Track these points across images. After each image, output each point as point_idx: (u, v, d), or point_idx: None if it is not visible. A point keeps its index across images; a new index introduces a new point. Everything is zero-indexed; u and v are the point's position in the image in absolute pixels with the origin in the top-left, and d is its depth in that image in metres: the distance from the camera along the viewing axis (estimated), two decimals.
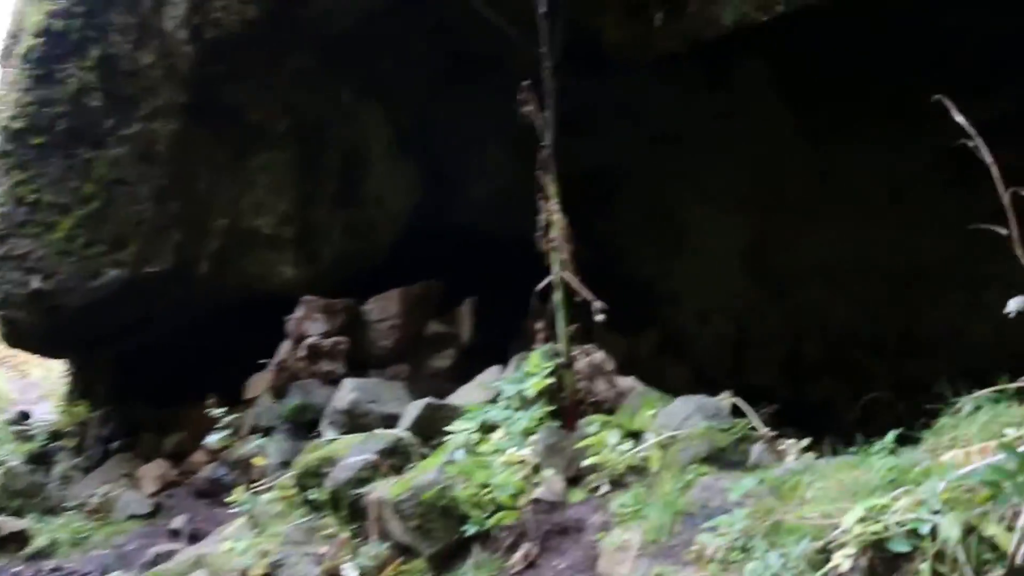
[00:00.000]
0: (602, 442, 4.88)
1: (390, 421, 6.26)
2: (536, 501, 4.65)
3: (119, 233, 8.71)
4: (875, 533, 3.05)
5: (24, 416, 12.33)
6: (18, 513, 8.12)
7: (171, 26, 8.35)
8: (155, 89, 8.61)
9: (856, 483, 3.49)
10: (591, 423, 5.15)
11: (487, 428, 5.35)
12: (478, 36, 8.56)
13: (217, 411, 6.51)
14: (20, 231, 8.65)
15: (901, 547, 2.99)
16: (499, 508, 4.63)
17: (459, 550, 4.78)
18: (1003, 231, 3.05)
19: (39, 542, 7.58)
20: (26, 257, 8.66)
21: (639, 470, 4.73)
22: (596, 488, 4.78)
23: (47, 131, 8.53)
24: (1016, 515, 2.86)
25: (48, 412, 12.44)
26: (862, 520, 3.12)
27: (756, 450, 4.71)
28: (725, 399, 5.30)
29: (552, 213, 5.69)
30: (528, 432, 5.15)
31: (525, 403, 5.41)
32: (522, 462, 4.73)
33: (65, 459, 9.93)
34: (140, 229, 8.75)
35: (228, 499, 6.30)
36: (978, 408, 3.75)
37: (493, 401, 5.70)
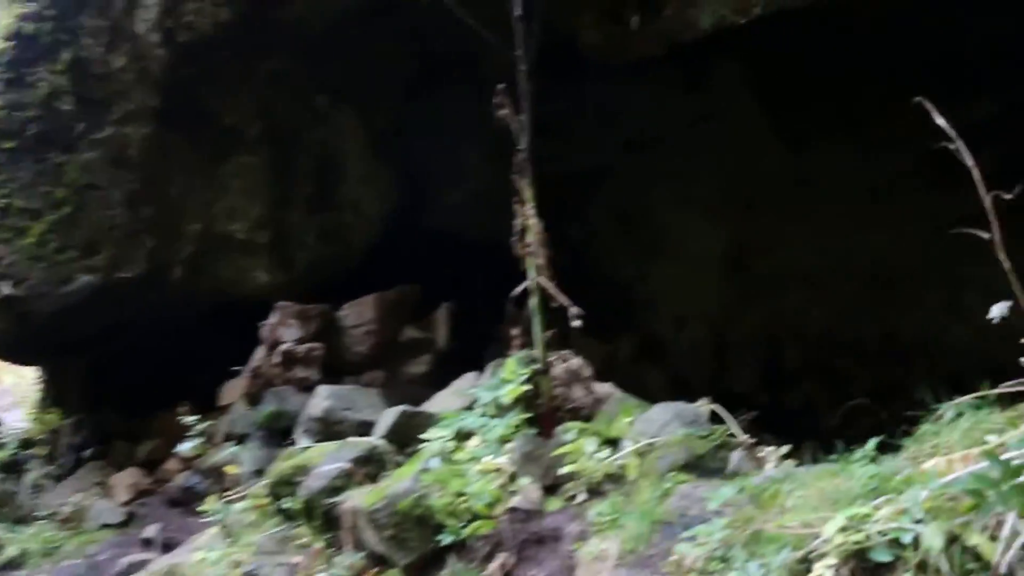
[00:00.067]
0: (579, 450, 4.82)
1: (365, 428, 6.18)
2: (512, 510, 4.59)
3: (91, 238, 8.57)
4: (857, 543, 3.01)
5: None
6: None
7: (143, 29, 8.24)
8: (127, 93, 8.49)
9: (837, 491, 3.44)
10: (568, 430, 5.08)
11: (463, 435, 5.29)
12: (453, 39, 8.48)
13: (189, 419, 6.41)
14: None
15: (883, 557, 2.94)
16: (475, 517, 4.57)
17: (434, 560, 4.71)
18: (985, 235, 2.99)
19: (9, 552, 7.44)
20: None
21: (617, 478, 4.67)
22: (573, 496, 4.72)
23: (18, 135, 8.38)
24: (1000, 524, 2.82)
25: (19, 420, 12.24)
26: (843, 529, 3.08)
27: (735, 457, 4.65)
28: (703, 405, 5.24)
29: (528, 217, 5.62)
30: (504, 439, 5.08)
31: (501, 410, 5.34)
32: (498, 470, 4.67)
33: (37, 467, 9.74)
34: (112, 234, 8.61)
35: (201, 508, 6.22)
36: (960, 414, 3.70)
37: (469, 408, 5.63)
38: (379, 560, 4.86)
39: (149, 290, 8.87)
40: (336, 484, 5.35)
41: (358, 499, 4.99)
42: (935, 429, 3.73)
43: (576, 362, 5.67)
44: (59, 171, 8.43)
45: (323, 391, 6.84)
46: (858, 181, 9.94)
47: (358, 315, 8.64)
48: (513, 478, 4.71)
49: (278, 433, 7.70)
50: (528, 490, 4.73)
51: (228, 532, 5.87)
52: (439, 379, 7.31)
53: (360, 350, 8.55)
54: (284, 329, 8.42)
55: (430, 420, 5.65)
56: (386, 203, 9.93)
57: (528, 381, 5.40)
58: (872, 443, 3.84)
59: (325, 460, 5.58)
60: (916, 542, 2.89)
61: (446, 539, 4.63)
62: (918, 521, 2.95)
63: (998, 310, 2.97)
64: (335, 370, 8.35)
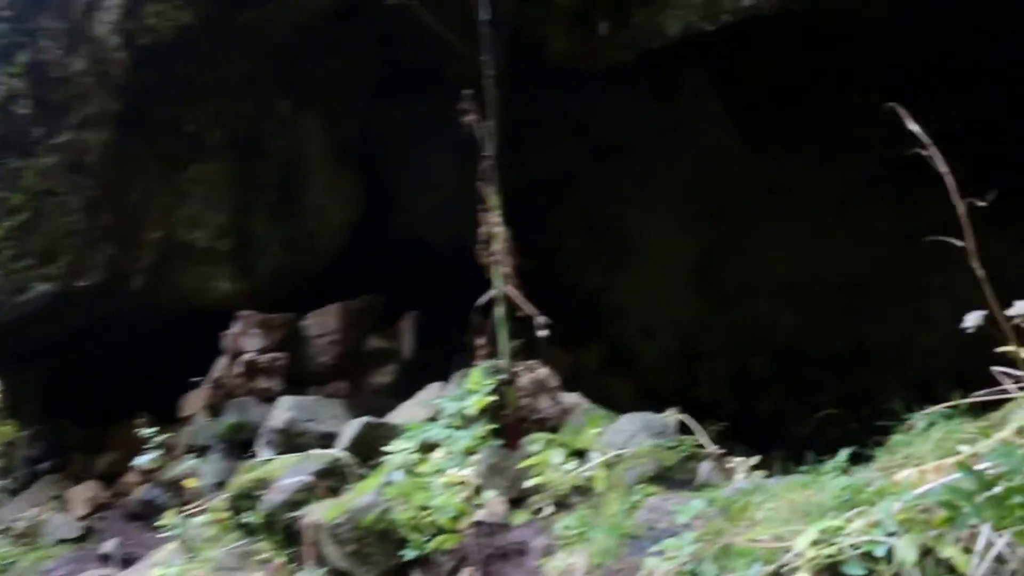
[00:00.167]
0: (546, 461, 4.74)
1: (327, 440, 6.06)
2: (478, 524, 4.50)
3: (48, 246, 8.38)
4: (829, 556, 2.96)
5: None
6: None
7: (103, 32, 8.06)
8: (86, 97, 8.31)
9: (808, 504, 3.38)
10: (535, 441, 5.00)
11: (427, 447, 5.19)
12: (420, 45, 8.45)
13: (147, 431, 6.26)
14: None
15: (856, 571, 2.89)
16: (439, 531, 4.48)
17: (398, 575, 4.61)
18: (959, 243, 2.94)
19: None
20: None
21: (584, 490, 4.59)
22: (540, 510, 4.63)
23: None
24: (974, 537, 2.77)
25: None
26: (815, 543, 3.02)
27: (704, 468, 4.59)
28: (672, 416, 5.18)
29: (494, 225, 5.54)
30: (469, 451, 4.98)
31: (466, 421, 5.25)
32: (463, 483, 4.59)
33: None
34: (70, 242, 8.42)
35: (160, 522, 6.08)
36: (931, 424, 3.66)
37: (434, 419, 5.53)
38: None
39: (108, 299, 8.68)
40: (297, 498, 5.24)
41: (320, 513, 4.88)
42: (907, 439, 3.69)
43: (543, 372, 5.59)
44: (15, 176, 8.23)
45: (285, 402, 6.70)
46: (826, 189, 9.98)
47: (322, 324, 8.52)
48: (478, 491, 4.62)
49: (240, 445, 7.55)
50: (493, 503, 4.64)
51: (187, 547, 5.74)
52: (405, 389, 7.19)
53: (324, 360, 8.43)
54: (247, 339, 8.29)
55: (394, 432, 5.55)
56: (352, 211, 9.82)
57: (494, 391, 5.31)
58: (844, 454, 3.78)
59: (286, 473, 5.47)
60: (890, 555, 2.84)
61: (410, 554, 4.53)
62: (891, 534, 2.90)
63: (972, 319, 2.90)
64: (299, 380, 8.23)
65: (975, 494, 2.72)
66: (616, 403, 5.87)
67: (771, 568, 3.09)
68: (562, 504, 4.61)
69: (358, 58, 9.30)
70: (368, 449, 5.54)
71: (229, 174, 9.08)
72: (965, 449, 3.31)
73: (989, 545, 2.70)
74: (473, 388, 5.34)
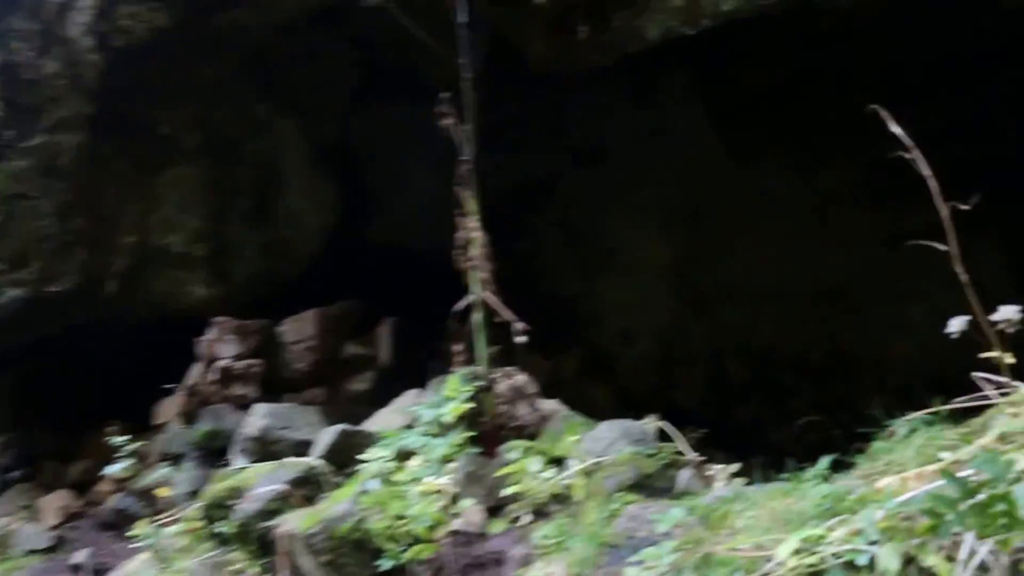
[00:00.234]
0: (524, 469, 4.68)
1: (303, 448, 5.97)
2: (454, 533, 4.44)
3: (20, 250, 8.27)
4: (811, 566, 2.91)
5: None
6: None
7: (76, 33, 7.95)
8: (59, 99, 8.20)
9: (789, 512, 3.34)
10: (512, 449, 4.94)
11: (404, 455, 5.12)
12: (398, 49, 8.40)
13: (119, 439, 6.16)
14: None
15: None
16: (416, 541, 4.41)
17: None
18: (942, 247, 2.91)
19: None
20: None
21: (562, 499, 4.53)
22: (517, 518, 4.57)
23: None
24: (957, 545, 2.74)
25: None
26: (797, 552, 2.98)
27: (684, 476, 4.55)
28: (651, 423, 5.14)
29: (472, 230, 5.49)
30: (446, 459, 4.92)
31: (443, 429, 5.18)
32: (440, 491, 4.53)
33: None
34: (42, 246, 8.32)
35: (132, 532, 5.98)
36: (913, 431, 3.63)
37: (410, 427, 5.47)
38: None
39: (81, 304, 8.58)
40: (272, 507, 5.16)
41: (294, 523, 4.80)
42: (888, 446, 3.66)
43: (521, 378, 5.54)
44: None
45: (260, 409, 6.61)
46: (806, 195, 9.99)
47: (298, 331, 8.44)
48: (455, 500, 4.56)
49: (215, 453, 7.45)
50: (471, 512, 4.58)
51: (160, 557, 5.66)
52: (382, 396, 7.14)
53: (300, 367, 8.35)
54: (222, 345, 8.19)
55: (370, 439, 5.48)
56: (329, 216, 9.75)
57: (471, 399, 5.25)
58: (825, 461, 3.75)
59: (261, 482, 5.39)
60: (872, 564, 2.80)
61: (385, 564, 4.46)
62: (873, 542, 2.85)
63: (956, 325, 2.86)
64: (274, 387, 8.14)
65: (958, 502, 2.68)
66: (595, 409, 5.84)
67: None
68: (540, 513, 4.56)
69: (336, 62, 9.24)
70: (344, 457, 5.47)
71: (204, 178, 8.99)
72: (947, 456, 3.28)
73: (972, 553, 2.67)
74: (450, 395, 5.28)
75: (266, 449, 6.32)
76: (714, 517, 3.69)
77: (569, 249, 10.87)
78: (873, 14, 7.31)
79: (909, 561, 2.77)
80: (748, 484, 4.34)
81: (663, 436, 5.05)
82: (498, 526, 4.57)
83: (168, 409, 8.37)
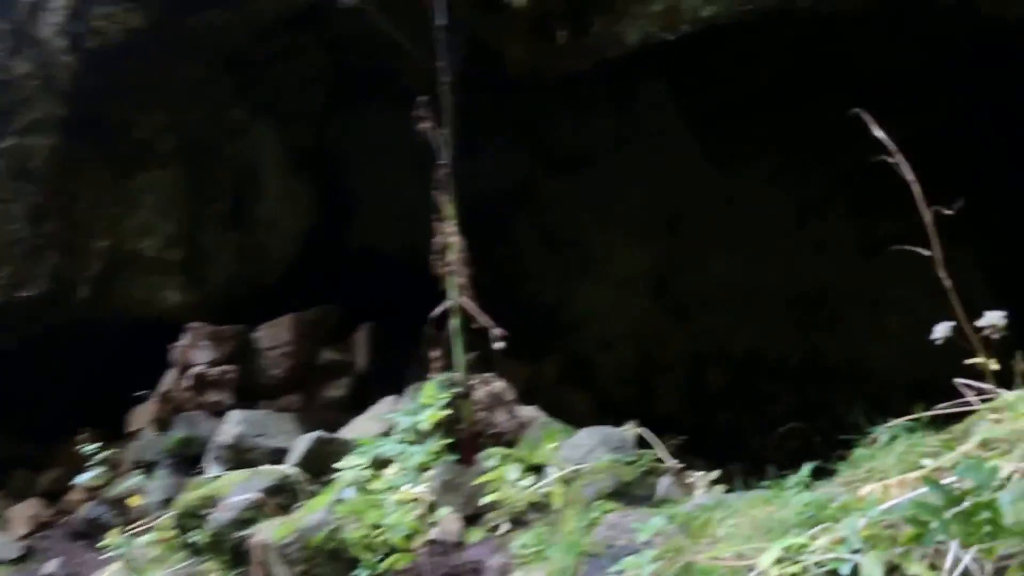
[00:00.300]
0: (502, 477, 4.62)
1: (278, 456, 5.91)
2: (431, 542, 4.38)
3: None
4: (793, 575, 2.86)
5: None
6: None
7: (48, 34, 7.85)
8: (31, 101, 8.10)
9: (771, 520, 3.30)
10: (490, 457, 4.88)
11: (380, 463, 5.05)
12: (376, 52, 8.35)
13: (89, 447, 6.06)
14: None
15: None
16: (392, 551, 4.35)
17: None
18: (925, 252, 2.88)
19: None
20: None
21: (541, 507, 4.48)
22: (496, 527, 4.51)
23: None
24: (941, 554, 2.70)
25: None
26: (779, 561, 2.93)
27: (663, 484, 4.51)
28: (630, 429, 5.10)
29: (449, 235, 5.43)
30: (423, 467, 4.86)
31: (420, 436, 5.12)
32: (417, 500, 4.46)
33: None
34: (13, 251, 8.22)
35: (103, 543, 5.88)
36: (894, 438, 3.60)
37: (387, 434, 5.40)
38: None
39: (53, 309, 8.50)
40: (246, 516, 5.10)
41: (269, 532, 4.74)
42: (869, 453, 3.63)
43: (499, 385, 5.48)
44: None
45: (234, 416, 6.54)
46: (783, 201, 10.00)
47: (274, 336, 8.34)
48: (432, 508, 4.50)
49: (189, 460, 7.35)
50: (448, 521, 4.51)
51: (132, 568, 5.58)
52: (359, 402, 7.10)
53: (276, 373, 8.25)
54: (196, 351, 8.08)
55: (346, 447, 5.41)
56: (306, 220, 9.69)
57: (448, 405, 5.19)
58: (807, 469, 3.71)
59: (235, 490, 5.32)
60: (855, 573, 2.75)
61: (362, 575, 4.41)
62: (856, 551, 2.81)
63: (941, 331, 2.83)
64: (250, 394, 8.04)
65: (942, 510, 2.64)
66: (574, 416, 5.80)
67: None
68: (519, 521, 4.50)
69: (313, 65, 9.18)
70: (320, 465, 5.41)
71: (180, 182, 8.91)
72: (929, 463, 3.25)
73: (957, 562, 2.63)
74: (427, 402, 5.22)
75: (241, 457, 6.26)
76: (695, 525, 3.64)
77: (548, 255, 10.84)
78: (851, 22, 7.32)
79: (892, 570, 2.73)
80: (728, 491, 4.30)
81: (642, 443, 5.00)
82: (476, 535, 4.52)
83: (141, 416, 8.25)
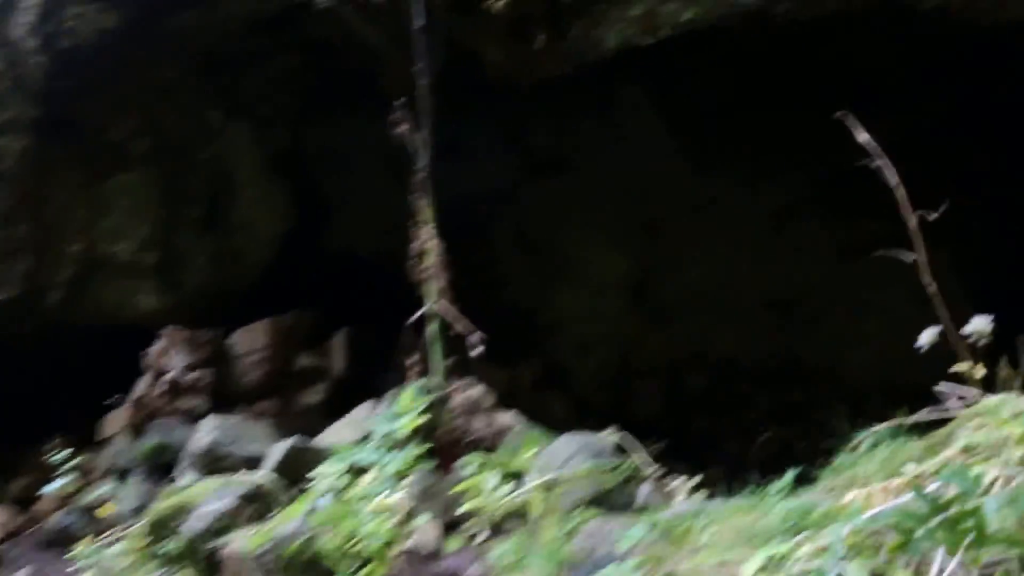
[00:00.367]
0: (480, 485, 4.58)
1: (253, 463, 5.83)
2: (408, 552, 4.33)
3: None
4: None
5: None
6: None
7: (19, 34, 7.74)
8: (2, 101, 7.99)
9: (753, 528, 3.26)
10: (468, 464, 4.84)
11: (357, 471, 5.00)
12: (354, 54, 8.27)
13: (60, 455, 5.96)
14: None
15: None
16: (368, 560, 4.30)
17: None
18: (908, 257, 2.85)
19: None
20: None
21: (520, 515, 4.44)
22: (474, 536, 4.47)
23: None
24: (926, 562, 2.67)
25: None
26: (762, 569, 2.90)
27: (643, 490, 4.48)
28: (609, 435, 5.06)
29: (427, 239, 5.38)
30: (401, 475, 4.81)
31: (398, 443, 5.06)
32: (393, 508, 4.40)
33: None
34: None
35: (73, 552, 5.78)
36: (876, 443, 3.57)
37: (364, 441, 5.33)
38: None
39: (25, 314, 8.40)
40: (220, 525, 5.03)
41: (243, 542, 4.67)
42: (851, 459, 3.60)
43: (477, 391, 5.44)
44: None
45: (209, 423, 6.46)
46: (762, 206, 10.00)
47: (250, 341, 8.26)
48: (410, 517, 4.45)
49: (162, 468, 7.26)
50: (425, 530, 4.46)
51: None
52: (336, 409, 7.02)
53: (252, 378, 8.17)
54: (170, 356, 8.00)
55: (322, 454, 5.35)
56: (282, 224, 9.58)
57: (426, 412, 5.15)
58: (789, 476, 3.67)
59: (208, 498, 5.24)
60: None
61: None
62: (841, 559, 2.77)
63: (927, 337, 2.80)
64: (225, 400, 7.95)
65: (928, 518, 2.61)
66: (552, 420, 5.77)
67: None
68: (497, 530, 4.46)
69: (290, 68, 9.09)
70: (295, 472, 5.35)
71: (154, 185, 8.82)
72: (911, 468, 3.23)
73: (942, 570, 2.60)
74: (405, 408, 5.17)
75: (215, 464, 6.18)
76: (676, 533, 3.60)
77: (526, 259, 10.79)
78: (829, 27, 7.32)
79: None
80: (709, 498, 4.27)
81: (621, 449, 4.96)
82: (454, 544, 4.47)
83: (114, 422, 8.17)
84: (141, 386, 8.02)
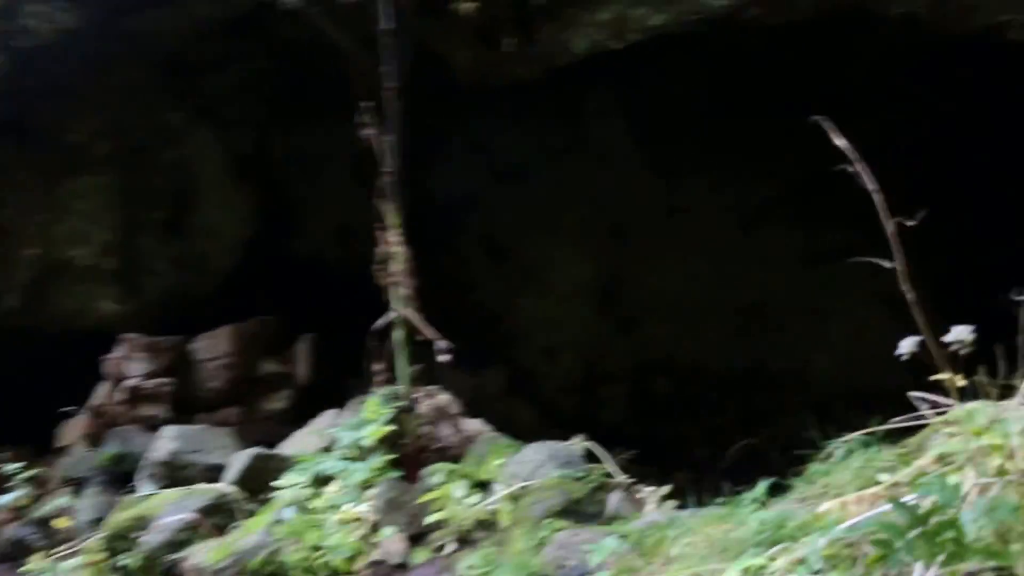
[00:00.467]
0: (447, 495, 4.49)
1: (215, 473, 5.70)
2: (374, 564, 4.24)
3: None
4: None
5: None
6: None
7: None
8: None
9: (727, 539, 3.21)
10: (435, 473, 4.75)
11: (321, 481, 4.90)
12: (321, 58, 8.17)
13: (11, 466, 5.79)
14: None
15: None
16: (334, 573, 4.19)
17: None
18: (887, 264, 2.81)
19: None
20: None
21: (488, 526, 4.36)
22: (442, 547, 4.38)
23: None
24: (903, 573, 2.63)
25: None
26: None
27: (613, 500, 4.41)
28: (578, 443, 5.00)
29: (393, 245, 5.30)
30: (366, 485, 4.71)
31: (363, 452, 4.96)
32: (359, 520, 4.31)
33: None
34: None
35: (26, 567, 5.61)
36: (850, 452, 3.53)
37: (328, 449, 5.23)
38: None
39: None
40: (180, 538, 4.90)
41: (204, 555, 4.55)
42: (825, 468, 3.56)
43: (444, 398, 5.37)
44: None
45: (169, 431, 6.31)
46: (728, 212, 10.02)
47: (212, 348, 8.11)
48: (375, 528, 4.36)
49: (121, 478, 7.08)
50: (392, 541, 4.37)
51: None
52: (300, 415, 6.91)
53: (214, 385, 8.02)
54: (131, 363, 7.84)
55: (286, 463, 5.24)
56: (246, 229, 9.44)
57: (392, 420, 5.06)
58: (763, 486, 3.63)
59: (168, 510, 5.11)
60: None
61: None
62: (817, 572, 2.73)
63: (907, 345, 2.77)
64: (187, 407, 7.81)
65: (906, 530, 2.56)
66: (518, 427, 5.72)
67: None
68: (465, 541, 4.38)
69: (255, 70, 8.96)
70: (258, 482, 5.23)
71: (115, 188, 8.67)
72: (885, 478, 3.19)
73: None
74: (370, 416, 5.08)
75: (175, 474, 6.03)
76: (648, 544, 3.55)
77: (493, 265, 10.74)
78: (799, 34, 7.34)
79: None
80: (680, 507, 4.22)
81: (591, 457, 4.90)
82: (421, 556, 4.38)
83: (72, 431, 7.97)
84: (100, 393, 7.85)
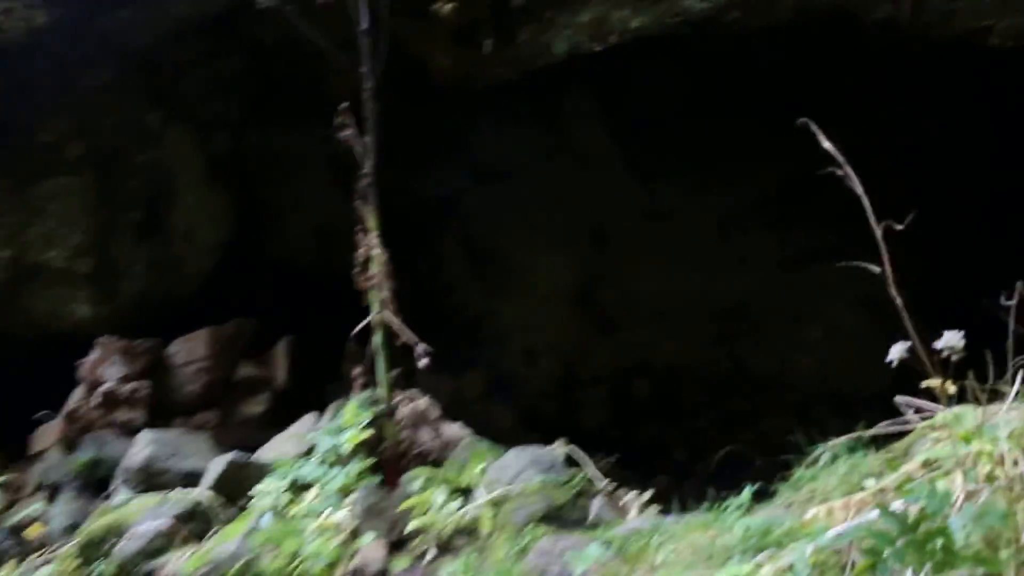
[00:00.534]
0: (428, 501, 4.45)
1: (192, 479, 5.64)
2: (354, 571, 4.17)
3: None
4: None
5: None
6: None
7: None
8: None
9: (712, 546, 3.17)
10: (415, 478, 4.71)
11: (299, 487, 4.85)
12: (299, 58, 8.11)
13: None
14: None
15: None
16: None
17: None
18: (875, 268, 2.78)
19: None
20: None
21: (469, 532, 4.32)
22: (422, 554, 4.33)
23: None
24: None
25: None
26: None
27: (596, 505, 4.38)
28: (559, 448, 4.95)
29: (372, 247, 5.24)
30: (345, 491, 4.66)
31: (342, 458, 4.91)
32: (338, 527, 4.24)
33: None
34: None
35: None
36: (835, 457, 3.50)
37: (307, 455, 5.17)
38: None
39: None
40: (156, 545, 4.84)
41: (180, 563, 4.50)
42: (811, 474, 3.53)
43: (423, 402, 5.31)
44: None
45: (145, 437, 6.23)
46: (707, 215, 10.03)
47: (189, 351, 8.03)
48: (355, 535, 4.31)
49: (96, 484, 7.01)
50: (371, 548, 4.32)
51: None
52: (279, 419, 6.88)
53: (192, 389, 7.94)
54: (106, 367, 7.74)
55: (263, 469, 5.19)
56: (223, 231, 9.37)
57: (371, 425, 5.01)
58: (747, 492, 3.59)
59: (144, 517, 5.05)
60: None
61: None
62: None
63: (897, 351, 2.74)
64: (164, 411, 7.73)
65: (896, 537, 2.53)
66: (498, 431, 5.70)
67: None
68: (446, 547, 4.34)
69: (232, 71, 8.89)
70: (235, 489, 5.17)
71: (89, 190, 8.55)
72: (872, 483, 3.16)
73: None
74: (349, 422, 5.02)
75: (151, 480, 5.97)
76: (631, 551, 3.51)
77: (471, 267, 10.71)
78: (780, 38, 7.34)
79: None
80: (663, 512, 4.18)
81: (572, 461, 4.86)
82: (401, 563, 4.34)
83: (46, 436, 7.88)
84: (75, 398, 7.74)
